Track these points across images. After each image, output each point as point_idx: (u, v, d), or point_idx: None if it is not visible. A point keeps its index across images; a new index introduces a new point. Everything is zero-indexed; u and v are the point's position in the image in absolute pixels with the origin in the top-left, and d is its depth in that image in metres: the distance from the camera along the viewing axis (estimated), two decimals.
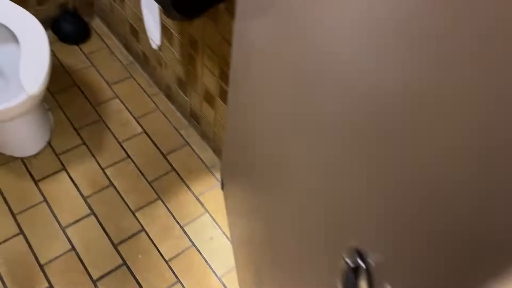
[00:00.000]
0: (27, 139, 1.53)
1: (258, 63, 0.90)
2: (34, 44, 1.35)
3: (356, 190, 0.64)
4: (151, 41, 1.36)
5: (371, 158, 0.59)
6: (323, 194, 0.75)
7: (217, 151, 1.68)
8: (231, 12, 1.20)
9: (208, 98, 1.55)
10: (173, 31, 1.53)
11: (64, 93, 1.80)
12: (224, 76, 1.39)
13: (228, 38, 1.27)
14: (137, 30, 1.79)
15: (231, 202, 1.41)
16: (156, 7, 1.27)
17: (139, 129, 1.74)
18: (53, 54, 1.92)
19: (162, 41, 1.60)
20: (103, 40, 2.00)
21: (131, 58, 1.96)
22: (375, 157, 0.58)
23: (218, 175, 1.64)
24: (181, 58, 1.58)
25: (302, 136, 0.78)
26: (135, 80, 1.89)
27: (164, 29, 1.56)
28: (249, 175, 1.13)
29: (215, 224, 1.51)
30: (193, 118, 1.73)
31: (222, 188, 1.52)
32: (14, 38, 1.44)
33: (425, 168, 0.49)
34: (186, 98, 1.70)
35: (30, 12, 1.88)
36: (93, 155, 1.63)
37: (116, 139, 1.69)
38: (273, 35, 0.81)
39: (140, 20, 1.72)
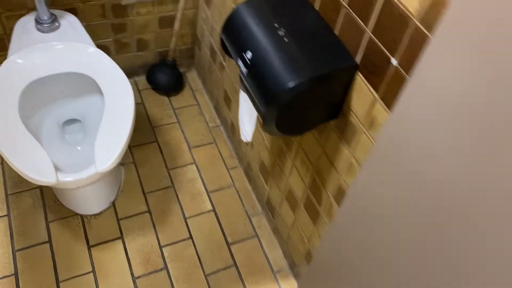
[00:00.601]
0: (93, 201, 1.43)
1: (393, 193, 0.76)
2: (118, 113, 1.23)
3: None
4: (241, 134, 1.20)
5: None
6: None
7: (287, 254, 1.47)
8: (341, 131, 1.00)
9: (291, 200, 1.35)
10: None
11: (143, 148, 1.69)
12: (315, 188, 1.18)
13: (329, 155, 1.07)
14: (230, 99, 1.65)
15: None
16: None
17: (209, 206, 1.58)
18: (141, 101, 1.84)
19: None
20: (194, 96, 1.89)
21: (218, 121, 1.82)
22: None
23: (282, 284, 1.43)
24: (270, 147, 1.41)
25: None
26: (217, 147, 1.74)
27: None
28: None
29: None
30: (269, 208, 1.54)
31: None
32: (100, 91, 1.34)
33: None
34: (265, 185, 1.52)
35: (129, 57, 1.82)
36: (154, 227, 1.50)
37: (183, 213, 1.55)
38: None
39: (236, 91, 1.57)
